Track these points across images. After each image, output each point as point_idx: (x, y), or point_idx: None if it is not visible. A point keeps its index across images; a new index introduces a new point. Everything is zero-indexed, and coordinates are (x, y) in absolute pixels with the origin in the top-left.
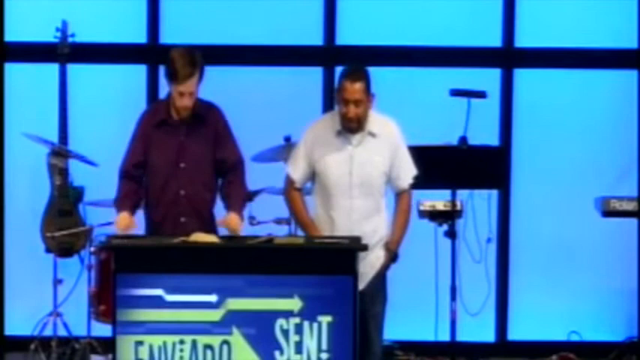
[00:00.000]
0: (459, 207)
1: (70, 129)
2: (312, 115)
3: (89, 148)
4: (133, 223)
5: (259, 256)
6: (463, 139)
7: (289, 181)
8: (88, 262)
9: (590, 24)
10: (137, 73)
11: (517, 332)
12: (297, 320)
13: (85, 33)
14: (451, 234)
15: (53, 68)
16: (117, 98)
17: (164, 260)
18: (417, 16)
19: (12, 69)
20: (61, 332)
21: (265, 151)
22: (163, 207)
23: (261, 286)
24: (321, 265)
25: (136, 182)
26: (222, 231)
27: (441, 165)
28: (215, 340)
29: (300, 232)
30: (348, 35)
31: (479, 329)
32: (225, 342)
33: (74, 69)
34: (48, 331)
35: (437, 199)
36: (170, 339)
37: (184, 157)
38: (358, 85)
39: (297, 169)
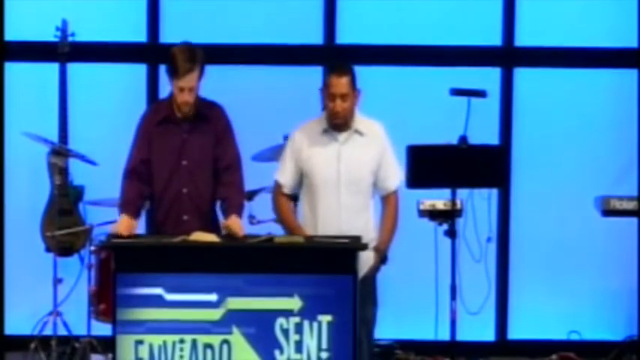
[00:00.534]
0: (458, 206)
1: (70, 128)
2: (312, 115)
3: (89, 148)
4: (134, 228)
5: (259, 256)
6: (463, 139)
7: (277, 186)
8: (88, 261)
9: (590, 24)
10: (137, 72)
11: (517, 332)
12: (297, 319)
13: (85, 32)
14: (451, 233)
15: (53, 67)
16: (117, 98)
17: (164, 259)
18: (417, 15)
19: (12, 68)
20: (61, 331)
21: (265, 150)
22: (165, 205)
23: (261, 285)
24: (321, 265)
25: (143, 181)
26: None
27: (441, 164)
28: (215, 340)
29: None
30: (348, 34)
31: (479, 329)
32: (225, 341)
33: (74, 68)
34: (48, 331)
35: (437, 199)
36: (170, 338)
37: (186, 155)
38: (344, 80)
39: (284, 173)
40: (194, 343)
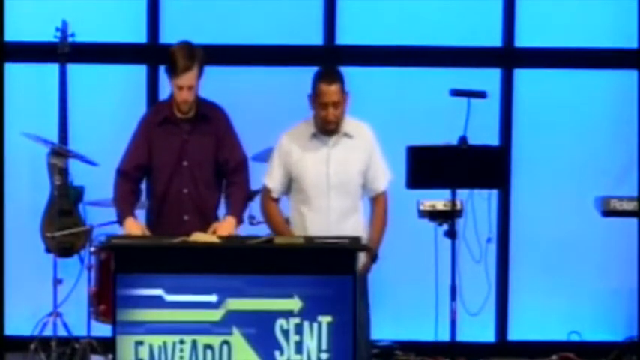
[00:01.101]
0: (458, 207)
1: (70, 129)
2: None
3: (89, 148)
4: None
5: (259, 256)
6: (463, 139)
7: (266, 191)
8: (88, 261)
9: (590, 24)
10: (137, 73)
11: (517, 332)
12: (297, 320)
13: (85, 33)
14: (451, 234)
15: (53, 68)
16: (117, 98)
17: (164, 260)
18: (417, 16)
19: (12, 69)
20: (61, 332)
21: (265, 150)
22: (166, 205)
23: (261, 286)
24: (321, 265)
25: (134, 183)
26: None
27: (441, 165)
28: (215, 340)
29: None
30: (348, 35)
31: (479, 329)
32: (225, 342)
33: (74, 69)
34: (48, 331)
35: (437, 199)
36: (170, 339)
37: (187, 155)
38: (335, 87)
39: (273, 178)
40: (194, 343)
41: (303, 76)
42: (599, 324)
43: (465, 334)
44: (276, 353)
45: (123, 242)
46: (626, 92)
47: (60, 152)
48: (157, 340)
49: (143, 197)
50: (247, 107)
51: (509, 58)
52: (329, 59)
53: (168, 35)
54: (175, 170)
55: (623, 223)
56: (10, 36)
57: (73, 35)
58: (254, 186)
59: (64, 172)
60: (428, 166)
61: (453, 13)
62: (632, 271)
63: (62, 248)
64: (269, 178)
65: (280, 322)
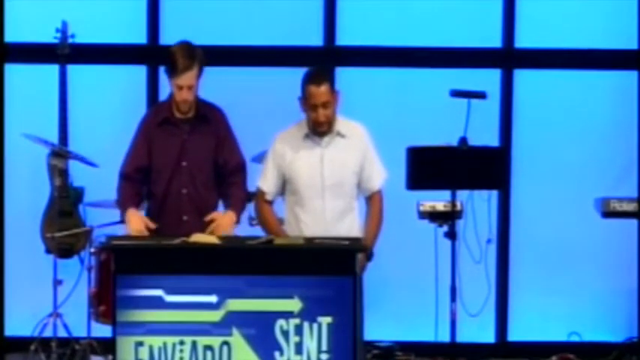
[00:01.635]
0: (458, 208)
1: (70, 129)
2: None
3: (89, 149)
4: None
5: (259, 257)
6: (463, 140)
7: (260, 193)
8: (88, 262)
9: (590, 24)
10: (137, 73)
11: (517, 333)
12: (297, 321)
13: (85, 33)
14: (451, 235)
15: (53, 69)
16: (117, 99)
17: (164, 261)
18: (417, 16)
19: (12, 69)
20: (61, 333)
21: (265, 151)
22: (166, 205)
23: (261, 286)
24: (321, 266)
25: (137, 185)
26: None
27: (441, 166)
28: (215, 341)
29: None
30: (348, 35)
31: (479, 330)
32: (225, 343)
33: (74, 69)
34: (48, 332)
35: (437, 200)
36: (170, 340)
37: (186, 155)
38: (324, 88)
39: (266, 180)
40: (194, 344)
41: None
42: (599, 324)
43: (465, 335)
44: (276, 354)
45: (123, 243)
46: (625, 93)
47: (60, 153)
48: (157, 341)
49: None
50: (247, 108)
51: (509, 58)
52: (329, 60)
53: (168, 36)
54: (175, 170)
55: (623, 223)
56: (10, 36)
57: (73, 36)
58: (254, 186)
59: (64, 173)
60: (428, 166)
61: (453, 13)
62: (632, 271)
63: (62, 249)
64: (263, 180)
65: (280, 322)
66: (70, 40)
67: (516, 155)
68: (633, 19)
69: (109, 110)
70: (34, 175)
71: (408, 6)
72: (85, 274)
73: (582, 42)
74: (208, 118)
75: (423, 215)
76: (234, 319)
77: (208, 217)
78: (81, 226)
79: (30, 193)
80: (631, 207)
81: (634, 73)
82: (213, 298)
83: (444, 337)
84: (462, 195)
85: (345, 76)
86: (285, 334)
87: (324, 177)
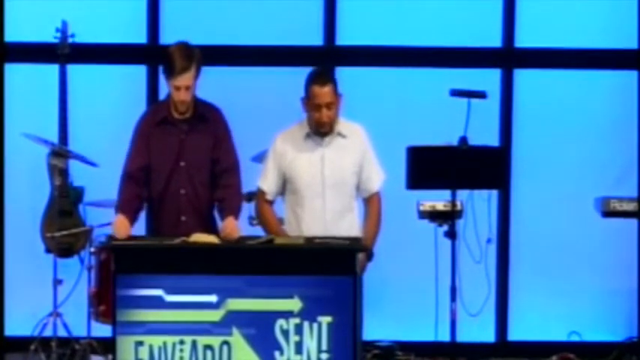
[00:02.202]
0: (459, 207)
1: (70, 129)
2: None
3: (89, 149)
4: (129, 228)
5: (259, 257)
6: (463, 140)
7: (260, 193)
8: (87, 262)
9: (590, 24)
10: (137, 73)
11: (517, 332)
12: (297, 321)
13: (85, 33)
14: (451, 234)
15: (53, 68)
16: (117, 98)
17: (164, 260)
18: (417, 16)
19: (12, 69)
20: (61, 333)
21: (264, 151)
22: (164, 206)
23: (261, 286)
24: (321, 266)
25: (140, 186)
26: None
27: (441, 165)
28: (215, 341)
29: None
30: (348, 35)
31: (479, 329)
32: (225, 342)
33: (74, 69)
34: (48, 332)
35: (437, 200)
36: (170, 339)
37: (184, 155)
38: (327, 88)
39: (267, 180)
40: (194, 344)
41: (303, 76)
42: (599, 324)
43: (465, 335)
44: (276, 354)
45: (123, 243)
46: (626, 92)
47: (60, 153)
48: (156, 340)
49: None
50: (247, 108)
51: (509, 58)
52: (329, 60)
53: (168, 35)
54: (173, 171)
55: (623, 223)
56: (10, 36)
57: (72, 36)
58: (254, 186)
59: (64, 173)
60: (428, 166)
61: (453, 13)
62: (632, 271)
63: (62, 249)
64: (263, 180)
65: (280, 322)
66: (70, 40)
67: (516, 155)
68: (633, 19)
69: (109, 110)
70: (34, 174)
71: (408, 6)
72: (85, 274)
73: (582, 42)
74: (206, 118)
75: (423, 215)
76: (234, 319)
77: (224, 232)
78: (81, 226)
79: (30, 192)
80: (631, 207)
81: (634, 73)
82: (213, 298)
83: (444, 336)
84: (462, 195)
85: (345, 75)
86: (285, 333)
87: (325, 176)
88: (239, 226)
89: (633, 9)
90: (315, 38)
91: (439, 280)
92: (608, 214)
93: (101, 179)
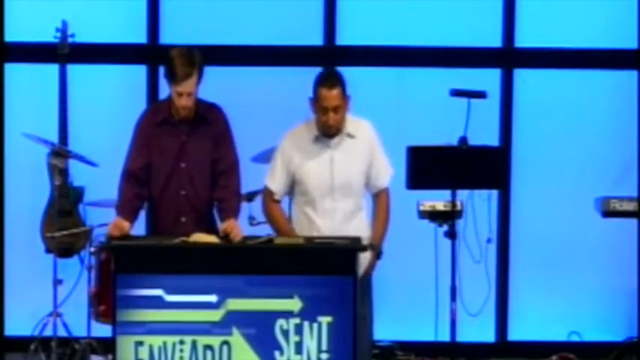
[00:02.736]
0: (459, 207)
1: (70, 129)
2: (312, 115)
3: (89, 149)
4: (127, 229)
5: (259, 257)
6: (463, 139)
7: (268, 193)
8: (88, 262)
9: (590, 24)
10: (137, 73)
11: (517, 332)
12: (297, 320)
13: (85, 33)
14: (451, 234)
15: (53, 68)
16: (117, 98)
17: (164, 260)
18: (417, 16)
19: (12, 69)
20: (61, 332)
21: (265, 151)
22: (164, 206)
23: (261, 286)
24: (321, 266)
25: (141, 185)
26: None
27: (441, 165)
28: (215, 341)
29: None
30: (348, 35)
31: (479, 329)
32: (225, 342)
33: (74, 69)
34: (48, 332)
35: (437, 200)
36: (170, 339)
37: (185, 156)
38: (335, 92)
39: (275, 180)
40: (194, 344)
41: (304, 76)
42: (599, 324)
43: (465, 335)
44: (276, 354)
45: (123, 243)
46: (626, 92)
47: (60, 153)
48: (156, 340)
49: None
50: (247, 108)
51: (509, 58)
52: (329, 60)
53: (168, 35)
54: (173, 172)
55: (623, 223)
56: (10, 36)
57: (72, 36)
58: (254, 186)
59: (64, 173)
60: (428, 166)
61: (453, 13)
62: (632, 271)
63: (62, 249)
64: (271, 180)
65: (280, 322)
66: (70, 40)
67: (516, 155)
68: (633, 19)
69: (109, 110)
70: (34, 174)
71: (408, 6)
72: (85, 274)
73: (582, 42)
74: (207, 119)
75: (423, 215)
76: (234, 319)
77: (222, 230)
78: (81, 226)
79: (30, 192)
80: (631, 206)
81: (634, 73)
82: (213, 298)
83: (444, 336)
84: (462, 194)
85: (345, 75)
86: (285, 333)
87: (334, 178)
88: (240, 228)
89: (633, 9)
90: (315, 38)
91: (439, 280)
92: (608, 214)
93: (101, 179)
